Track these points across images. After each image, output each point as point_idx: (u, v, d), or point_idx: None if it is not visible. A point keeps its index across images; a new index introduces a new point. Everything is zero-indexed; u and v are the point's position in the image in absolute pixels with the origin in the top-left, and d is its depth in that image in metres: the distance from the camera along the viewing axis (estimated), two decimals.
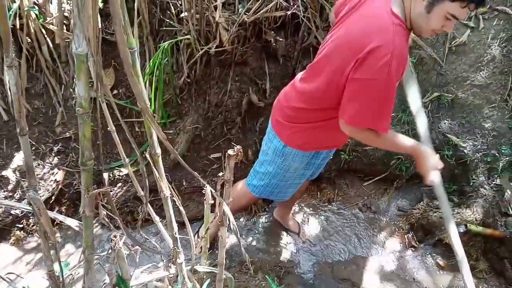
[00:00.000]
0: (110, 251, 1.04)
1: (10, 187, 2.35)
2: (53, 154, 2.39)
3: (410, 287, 2.49)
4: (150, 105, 2.31)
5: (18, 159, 2.35)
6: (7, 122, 2.36)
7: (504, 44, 2.66)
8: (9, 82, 2.23)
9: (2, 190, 2.35)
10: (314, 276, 2.46)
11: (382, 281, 2.49)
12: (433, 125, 2.73)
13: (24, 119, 0.72)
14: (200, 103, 2.60)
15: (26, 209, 1.10)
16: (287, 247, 2.58)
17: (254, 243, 2.55)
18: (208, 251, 1.45)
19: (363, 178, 2.97)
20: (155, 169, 0.99)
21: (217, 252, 1.19)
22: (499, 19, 2.67)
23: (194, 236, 1.34)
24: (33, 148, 2.38)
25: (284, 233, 2.64)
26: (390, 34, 1.36)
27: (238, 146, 0.87)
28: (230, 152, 0.88)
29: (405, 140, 1.62)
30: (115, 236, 0.98)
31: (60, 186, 2.35)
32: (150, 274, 1.38)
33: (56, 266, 1.09)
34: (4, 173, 2.34)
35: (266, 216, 2.71)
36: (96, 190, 0.85)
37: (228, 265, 2.32)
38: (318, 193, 2.88)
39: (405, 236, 2.73)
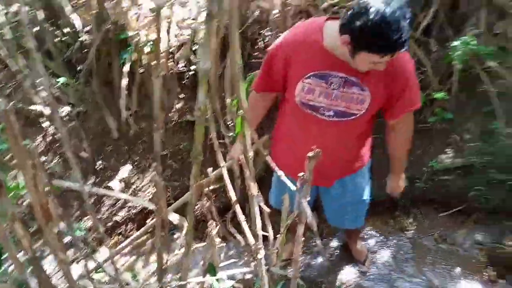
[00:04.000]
0: (205, 240, 1.26)
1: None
2: (152, 169, 2.77)
3: None
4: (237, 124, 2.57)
5: (124, 171, 2.75)
6: (117, 140, 2.79)
7: None
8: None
9: (109, 198, 2.76)
10: None
11: None
12: None
13: (162, 117, 0.99)
14: None
15: (146, 204, 1.38)
16: (356, 272, 2.63)
17: (323, 264, 2.65)
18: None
19: (438, 209, 2.93)
20: (247, 169, 1.21)
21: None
22: None
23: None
24: (136, 163, 2.77)
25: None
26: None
27: (318, 150, 1.05)
28: (310, 154, 1.06)
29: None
30: (211, 224, 1.20)
31: None
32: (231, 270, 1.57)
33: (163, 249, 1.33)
34: (111, 183, 2.75)
35: (336, 239, 2.79)
36: (202, 180, 1.08)
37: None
38: (392, 221, 2.90)
39: (485, 271, 2.62)
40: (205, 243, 1.29)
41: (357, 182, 2.00)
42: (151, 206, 1.53)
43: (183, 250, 1.33)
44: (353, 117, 1.63)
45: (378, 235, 2.83)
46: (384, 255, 2.71)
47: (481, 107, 2.68)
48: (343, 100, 1.59)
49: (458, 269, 2.66)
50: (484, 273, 2.62)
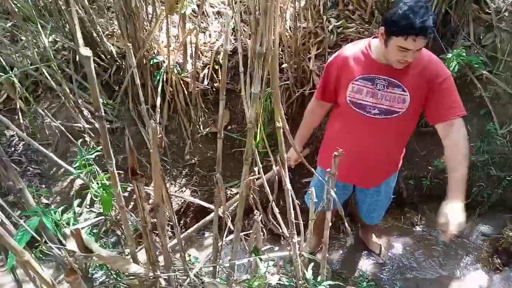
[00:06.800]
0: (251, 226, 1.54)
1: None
2: (182, 176, 3.06)
3: None
4: (256, 137, 2.87)
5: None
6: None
7: None
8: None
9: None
10: None
11: None
12: None
13: (221, 128, 1.28)
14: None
15: (202, 203, 1.64)
16: (373, 263, 2.89)
17: (343, 256, 2.91)
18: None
19: None
20: (282, 169, 1.49)
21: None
22: None
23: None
24: (167, 171, 3.07)
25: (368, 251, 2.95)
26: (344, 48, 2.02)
27: (341, 150, 1.34)
28: (335, 153, 1.35)
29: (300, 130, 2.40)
30: (257, 212, 1.48)
31: (187, 202, 2.98)
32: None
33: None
34: (148, 189, 3.04)
35: (353, 234, 3.06)
36: (252, 177, 1.37)
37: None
38: (402, 217, 3.16)
39: (489, 259, 2.88)
40: (250, 231, 1.57)
41: (390, 184, 2.30)
42: (207, 205, 1.82)
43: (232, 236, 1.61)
44: (395, 115, 1.88)
45: (390, 230, 3.09)
46: (398, 248, 2.98)
47: (477, 110, 2.96)
48: (387, 99, 1.87)
49: (466, 259, 2.92)
50: (490, 262, 2.87)
